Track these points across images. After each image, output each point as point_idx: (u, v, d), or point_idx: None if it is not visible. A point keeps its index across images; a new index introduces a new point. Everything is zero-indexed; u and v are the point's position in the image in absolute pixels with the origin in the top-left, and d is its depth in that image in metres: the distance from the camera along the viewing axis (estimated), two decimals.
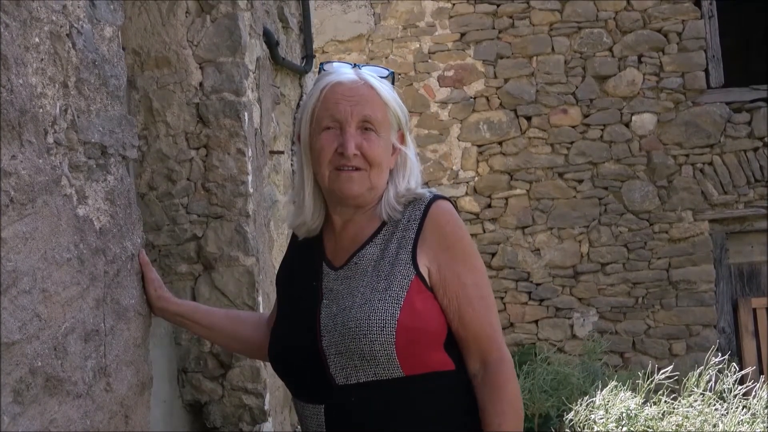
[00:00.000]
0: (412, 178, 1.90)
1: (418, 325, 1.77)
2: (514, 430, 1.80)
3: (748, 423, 4.22)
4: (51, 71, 1.64)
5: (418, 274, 1.80)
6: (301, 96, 4.36)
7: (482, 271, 1.88)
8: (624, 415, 4.33)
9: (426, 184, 2.06)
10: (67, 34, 1.72)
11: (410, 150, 1.92)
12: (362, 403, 1.78)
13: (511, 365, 1.83)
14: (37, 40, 1.59)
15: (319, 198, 1.92)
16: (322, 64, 1.97)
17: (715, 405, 4.37)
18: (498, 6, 7.90)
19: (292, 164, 4.04)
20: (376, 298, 1.77)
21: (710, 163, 7.66)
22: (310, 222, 1.92)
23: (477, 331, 1.83)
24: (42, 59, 1.61)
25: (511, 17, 7.90)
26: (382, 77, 1.90)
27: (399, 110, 1.89)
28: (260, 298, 3.09)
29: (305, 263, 1.94)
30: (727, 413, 4.28)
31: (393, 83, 1.93)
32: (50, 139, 1.62)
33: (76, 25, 1.75)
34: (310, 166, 1.88)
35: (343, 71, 1.89)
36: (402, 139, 1.91)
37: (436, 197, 1.87)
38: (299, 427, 2.02)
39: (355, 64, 1.92)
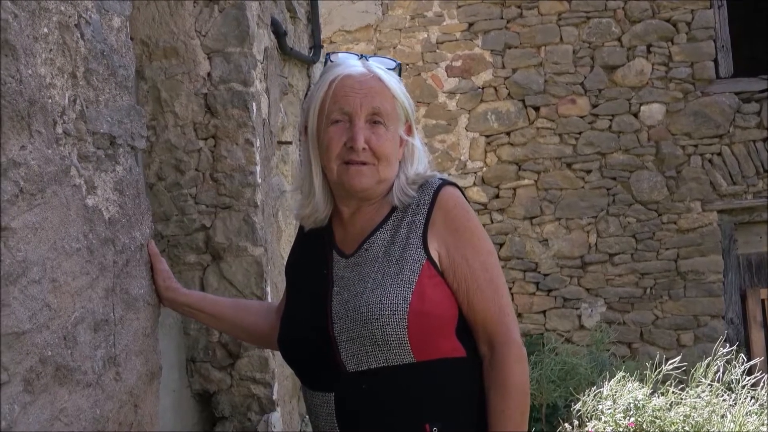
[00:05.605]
0: (420, 166, 1.92)
1: (430, 310, 1.77)
2: (518, 413, 1.78)
3: (756, 413, 4.21)
4: (60, 62, 1.64)
5: (429, 258, 1.81)
6: (309, 86, 4.36)
7: (491, 253, 1.88)
8: (631, 405, 4.33)
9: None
10: (75, 25, 1.71)
11: (417, 140, 1.94)
12: (372, 390, 1.78)
13: (518, 348, 1.81)
14: (45, 30, 1.59)
15: (327, 189, 1.93)
16: (328, 54, 1.98)
17: (723, 396, 4.36)
18: None
19: (300, 154, 4.03)
20: (388, 282, 1.78)
21: (719, 154, 7.64)
22: (319, 213, 1.93)
23: (484, 313, 1.83)
24: (51, 50, 1.61)
25: (519, 7, 7.87)
26: (389, 69, 1.91)
27: (407, 102, 1.91)
28: (268, 288, 3.09)
29: (314, 251, 1.95)
30: (735, 404, 4.27)
31: (399, 75, 1.94)
32: (59, 130, 1.62)
33: (84, 16, 1.75)
34: (318, 159, 1.89)
35: (351, 63, 1.89)
36: (409, 131, 1.93)
37: (444, 182, 1.89)
38: (307, 416, 2.02)
39: (362, 55, 1.93)
